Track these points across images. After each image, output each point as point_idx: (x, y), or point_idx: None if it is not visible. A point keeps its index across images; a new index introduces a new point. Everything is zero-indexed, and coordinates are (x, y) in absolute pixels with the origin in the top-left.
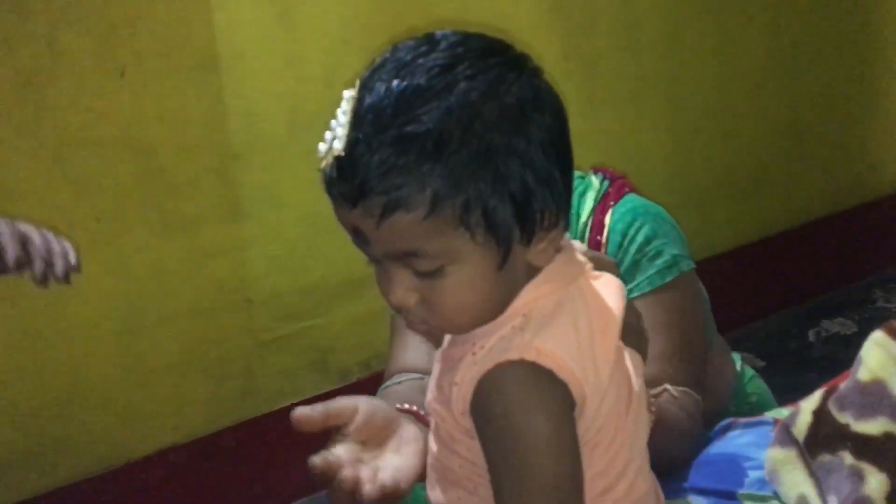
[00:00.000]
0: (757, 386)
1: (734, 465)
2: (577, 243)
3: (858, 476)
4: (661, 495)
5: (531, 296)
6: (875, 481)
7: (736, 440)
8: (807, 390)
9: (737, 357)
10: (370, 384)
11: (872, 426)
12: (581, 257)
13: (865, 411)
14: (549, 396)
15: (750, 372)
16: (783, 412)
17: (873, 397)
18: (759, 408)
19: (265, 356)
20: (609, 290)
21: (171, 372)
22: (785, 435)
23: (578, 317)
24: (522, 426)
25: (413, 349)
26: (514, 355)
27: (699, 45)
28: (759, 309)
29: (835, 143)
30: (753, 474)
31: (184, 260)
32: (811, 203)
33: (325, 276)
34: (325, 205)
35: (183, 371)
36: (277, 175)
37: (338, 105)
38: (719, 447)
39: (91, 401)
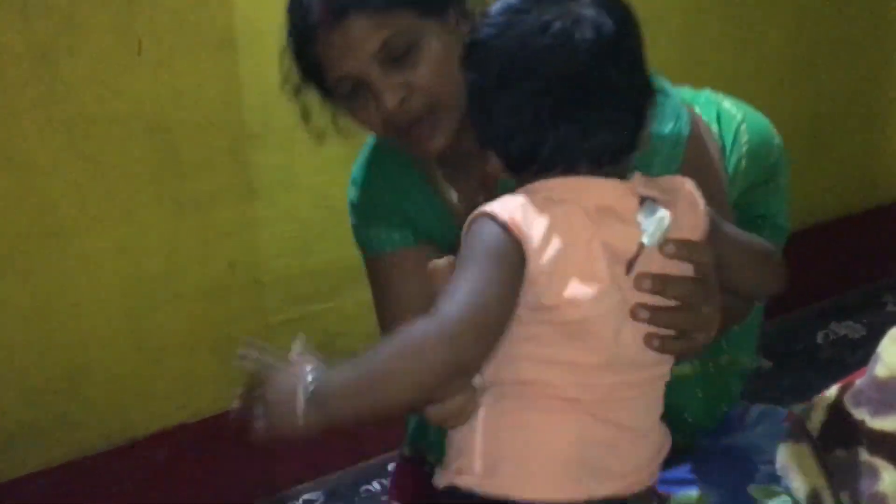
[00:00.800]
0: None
1: (746, 458)
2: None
3: (873, 472)
4: (653, 472)
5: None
6: (890, 478)
7: (749, 431)
8: (813, 392)
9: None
10: None
11: (889, 423)
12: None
13: (882, 408)
14: (496, 238)
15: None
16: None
17: (891, 394)
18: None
19: (274, 338)
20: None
21: (180, 351)
22: (799, 429)
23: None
24: (475, 241)
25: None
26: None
27: (717, 42)
28: (768, 309)
29: (851, 145)
30: (764, 468)
31: (195, 239)
32: (825, 204)
33: (335, 260)
34: (338, 188)
35: (191, 350)
36: (291, 157)
37: None
38: (732, 438)
39: (99, 378)
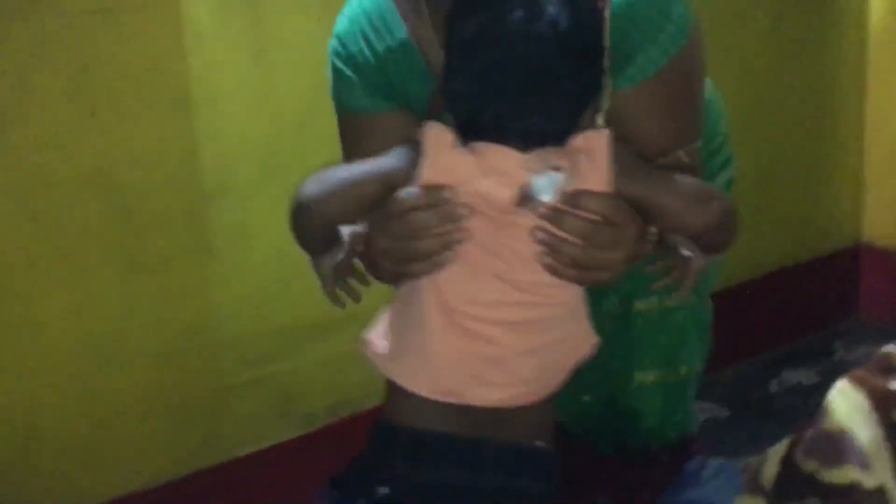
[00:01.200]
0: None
1: None
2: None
3: None
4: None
5: None
6: None
7: (706, 486)
8: (769, 442)
9: None
10: (336, 430)
11: (839, 475)
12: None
13: (832, 460)
14: None
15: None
16: None
17: (839, 446)
18: None
19: (230, 401)
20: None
21: (133, 416)
22: (753, 483)
23: None
24: None
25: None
26: None
27: None
28: (721, 359)
29: (796, 196)
30: None
31: (150, 301)
32: (773, 254)
33: (295, 319)
34: (296, 246)
35: (145, 415)
36: (249, 216)
37: (313, 146)
38: (690, 494)
39: (49, 445)
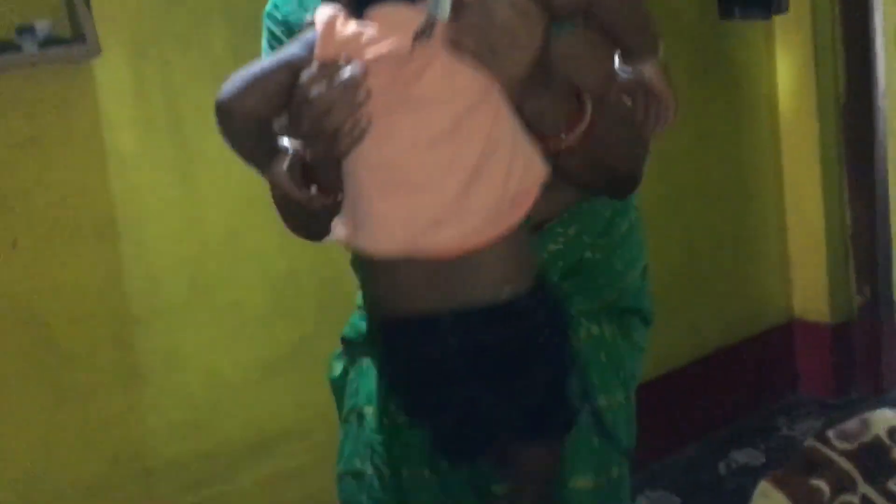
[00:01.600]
0: None
1: None
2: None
3: None
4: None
5: None
6: None
7: None
8: None
9: None
10: None
11: None
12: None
13: None
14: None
15: None
16: None
17: None
18: None
19: None
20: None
21: None
22: None
23: None
24: None
25: None
26: None
27: None
28: (669, 443)
29: (727, 277)
30: None
31: (77, 432)
32: (709, 336)
33: (231, 440)
34: (229, 363)
35: None
36: (179, 338)
37: (241, 263)
38: None
39: None
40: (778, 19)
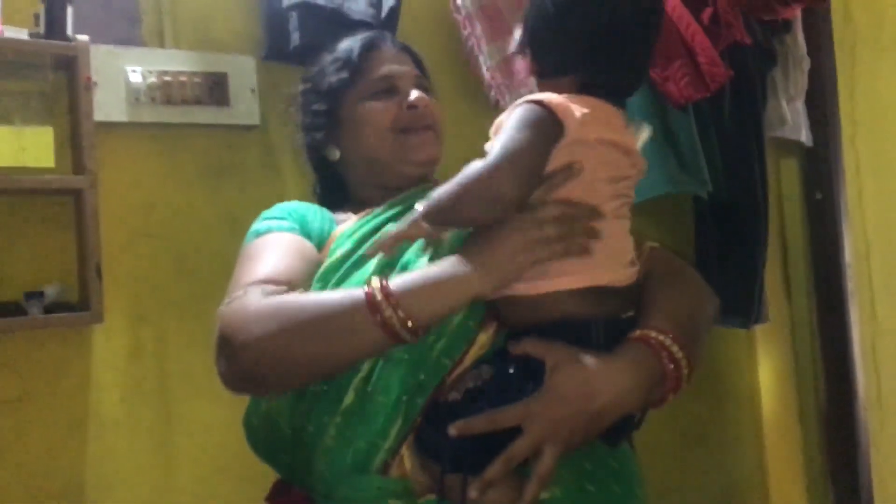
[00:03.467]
0: None
1: None
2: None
3: None
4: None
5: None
6: None
7: None
8: None
9: None
10: None
11: None
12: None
13: None
14: (535, 115)
15: None
16: None
17: None
18: None
19: None
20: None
21: None
22: None
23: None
24: (520, 118)
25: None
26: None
27: None
28: None
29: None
30: None
31: None
32: None
33: None
34: None
35: None
36: None
37: None
38: None
39: None
40: (759, 328)
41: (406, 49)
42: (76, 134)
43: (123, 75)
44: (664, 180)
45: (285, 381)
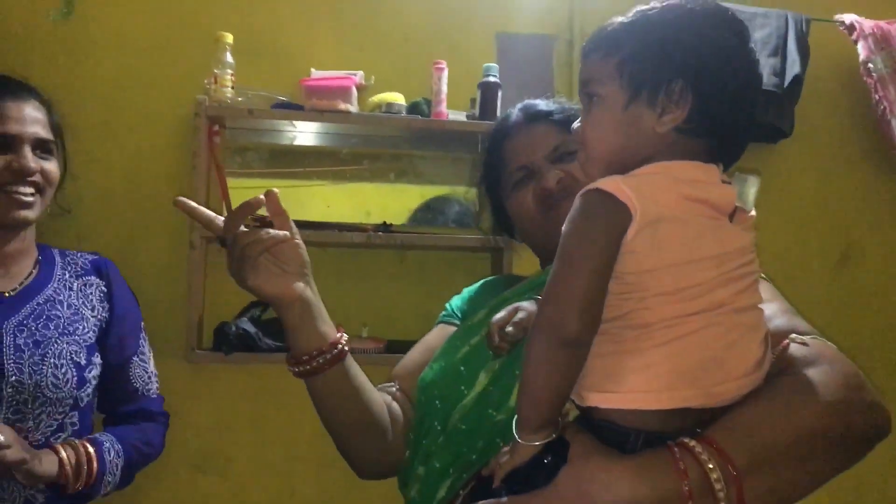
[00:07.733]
0: None
1: None
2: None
3: None
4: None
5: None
6: None
7: None
8: None
9: None
10: None
11: None
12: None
13: None
14: (602, 210)
15: None
16: None
17: None
18: None
19: None
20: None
21: None
22: None
23: (659, 177)
24: (575, 223)
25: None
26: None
27: None
28: None
29: None
30: None
31: None
32: None
33: None
34: None
35: None
36: None
37: None
38: None
39: None
40: None
41: (534, 116)
42: None
43: None
44: None
45: None
